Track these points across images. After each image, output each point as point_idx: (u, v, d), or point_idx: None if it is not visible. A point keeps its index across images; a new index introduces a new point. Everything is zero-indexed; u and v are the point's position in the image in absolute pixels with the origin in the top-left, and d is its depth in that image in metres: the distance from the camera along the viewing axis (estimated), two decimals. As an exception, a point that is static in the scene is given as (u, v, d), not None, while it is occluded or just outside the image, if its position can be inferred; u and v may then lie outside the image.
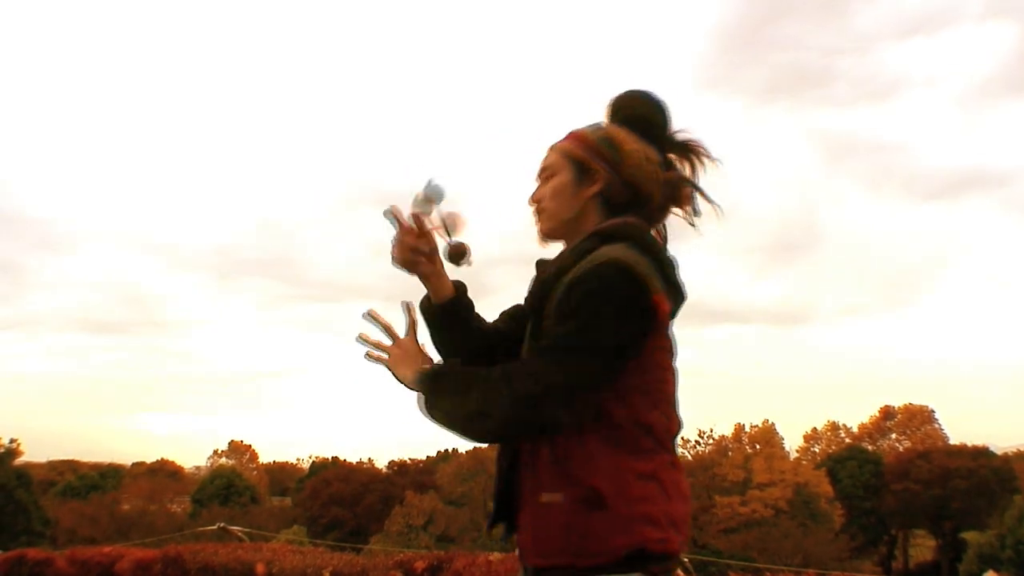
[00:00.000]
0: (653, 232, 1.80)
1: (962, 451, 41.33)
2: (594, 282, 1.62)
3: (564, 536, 1.65)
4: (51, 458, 61.79)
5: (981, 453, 40.98)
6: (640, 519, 1.63)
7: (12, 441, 38.05)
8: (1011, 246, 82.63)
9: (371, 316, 1.88)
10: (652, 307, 1.64)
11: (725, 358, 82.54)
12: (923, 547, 43.49)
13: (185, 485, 50.36)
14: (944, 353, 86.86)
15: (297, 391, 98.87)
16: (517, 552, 1.80)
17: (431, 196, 1.81)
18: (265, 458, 62.76)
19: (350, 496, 39.79)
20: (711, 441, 41.57)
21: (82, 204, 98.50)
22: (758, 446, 40.63)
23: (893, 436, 51.25)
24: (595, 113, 1.88)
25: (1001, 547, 27.05)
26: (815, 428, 52.82)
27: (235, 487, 42.92)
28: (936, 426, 50.04)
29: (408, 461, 48.21)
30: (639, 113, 1.84)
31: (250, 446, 59.60)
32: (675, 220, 1.86)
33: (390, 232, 1.85)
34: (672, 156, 1.87)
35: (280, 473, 62.79)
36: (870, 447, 47.93)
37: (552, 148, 1.85)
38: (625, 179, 1.78)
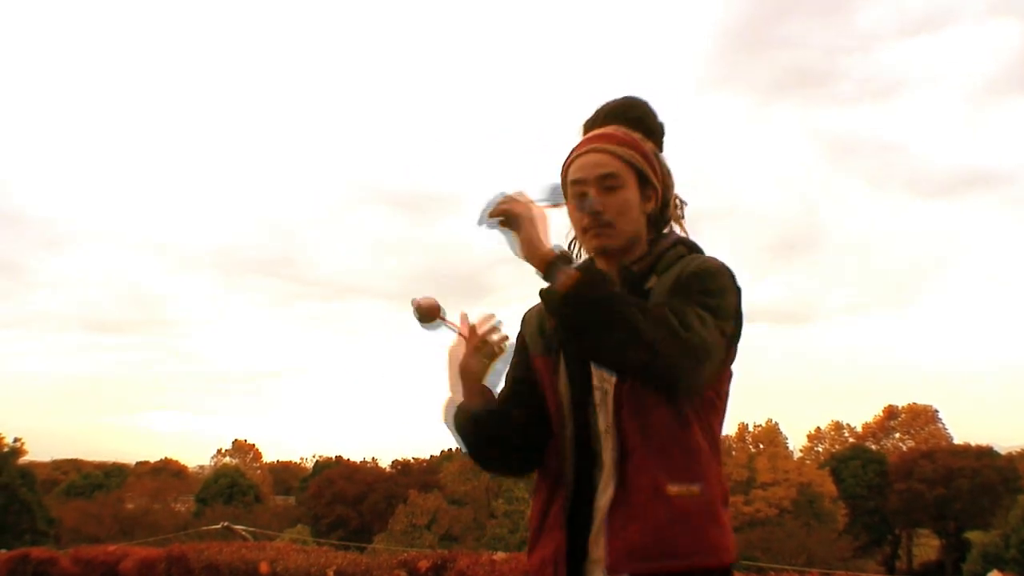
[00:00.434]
0: None
1: (966, 451, 41.32)
2: (726, 278, 1.64)
3: (695, 533, 1.55)
4: (55, 457, 61.88)
5: (985, 453, 40.97)
6: (728, 528, 1.62)
7: (16, 440, 38.07)
8: (1015, 245, 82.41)
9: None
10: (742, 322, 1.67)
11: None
12: (927, 547, 43.42)
13: (189, 484, 50.46)
14: (948, 352, 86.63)
15: (301, 390, 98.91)
16: (599, 560, 1.61)
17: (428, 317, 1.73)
18: (269, 457, 62.82)
19: (354, 495, 39.83)
20: (714, 440, 41.43)
21: (85, 203, 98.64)
22: (762, 446, 40.62)
23: (897, 436, 51.20)
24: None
25: (1005, 547, 27.00)
26: (819, 428, 52.86)
27: (239, 486, 42.97)
28: (940, 426, 50.01)
29: (412, 460, 48.25)
30: (648, 125, 1.80)
31: (254, 445, 59.64)
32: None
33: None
34: None
35: (284, 472, 62.79)
36: (874, 447, 47.93)
37: (608, 150, 1.70)
38: (664, 196, 1.77)
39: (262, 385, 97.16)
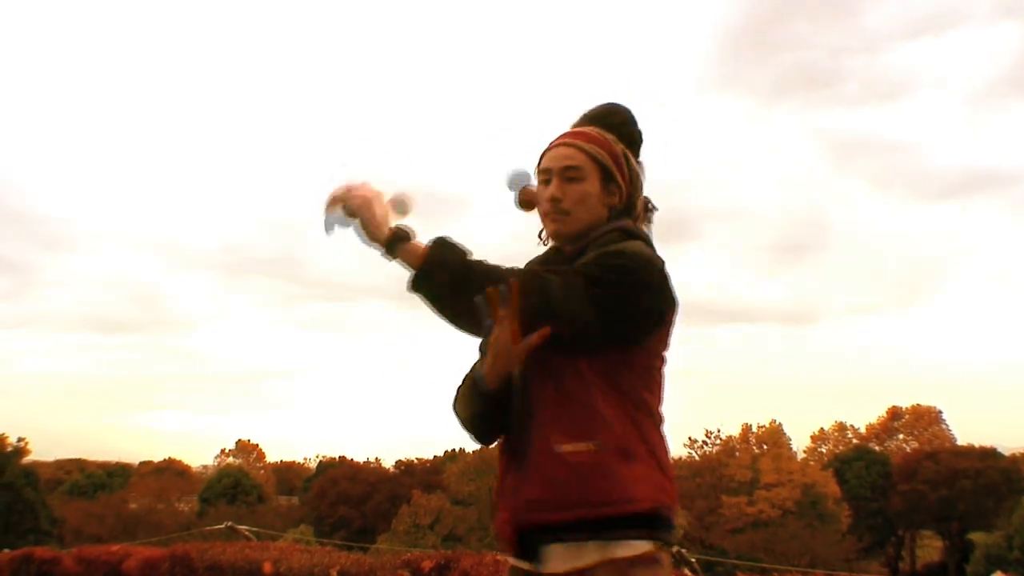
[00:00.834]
0: None
1: (969, 452, 41.23)
2: (635, 260, 1.69)
3: (585, 486, 1.63)
4: (58, 457, 61.96)
5: (989, 454, 40.86)
6: (657, 481, 1.67)
7: (19, 440, 38.09)
8: (1019, 246, 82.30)
9: None
10: (669, 309, 1.75)
11: (732, 358, 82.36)
12: (930, 548, 43.35)
13: (192, 484, 50.44)
14: (951, 353, 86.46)
15: (304, 390, 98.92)
16: (501, 517, 1.74)
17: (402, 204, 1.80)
18: (272, 457, 62.89)
19: (357, 495, 39.85)
20: (718, 441, 41.40)
21: (88, 203, 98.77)
22: (765, 446, 40.52)
23: (900, 437, 51.15)
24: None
25: (1009, 548, 26.99)
26: (822, 428, 52.81)
27: (242, 486, 43.00)
28: (943, 427, 49.95)
29: (415, 460, 48.24)
30: (627, 131, 1.90)
31: (257, 445, 59.72)
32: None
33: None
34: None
35: (287, 472, 62.83)
36: (877, 448, 47.84)
37: (577, 145, 1.82)
38: (631, 196, 1.87)
39: (265, 385, 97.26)
